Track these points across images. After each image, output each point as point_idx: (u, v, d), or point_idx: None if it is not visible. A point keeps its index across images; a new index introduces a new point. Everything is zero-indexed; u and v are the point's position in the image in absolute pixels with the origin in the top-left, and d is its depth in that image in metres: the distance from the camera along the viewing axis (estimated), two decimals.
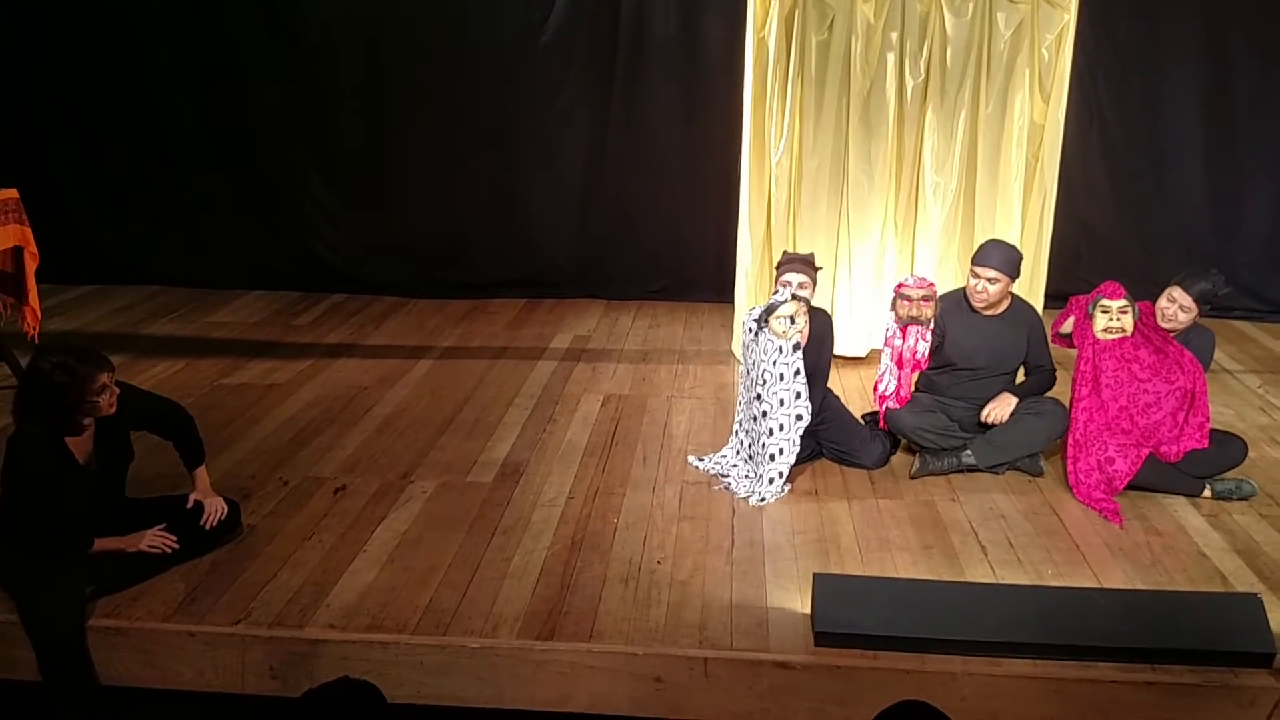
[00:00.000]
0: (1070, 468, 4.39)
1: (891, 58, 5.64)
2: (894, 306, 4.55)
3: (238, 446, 4.76)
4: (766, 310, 4.34)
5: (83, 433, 3.45)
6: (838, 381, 5.45)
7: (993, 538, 4.02)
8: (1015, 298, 4.70)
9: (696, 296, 7.36)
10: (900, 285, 4.56)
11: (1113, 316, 4.36)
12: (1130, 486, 4.30)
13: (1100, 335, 4.38)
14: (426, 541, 3.93)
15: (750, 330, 4.43)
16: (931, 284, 4.56)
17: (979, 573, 3.76)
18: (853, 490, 4.42)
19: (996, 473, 4.55)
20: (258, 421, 5.07)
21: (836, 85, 5.66)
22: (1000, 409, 4.50)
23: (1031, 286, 5.70)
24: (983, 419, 4.53)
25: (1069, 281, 6.54)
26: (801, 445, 4.59)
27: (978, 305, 4.56)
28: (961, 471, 4.53)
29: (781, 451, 4.32)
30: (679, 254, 7.43)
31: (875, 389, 4.67)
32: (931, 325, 4.51)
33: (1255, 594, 3.47)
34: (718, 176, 6.98)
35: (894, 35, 5.60)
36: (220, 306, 7.13)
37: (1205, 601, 3.50)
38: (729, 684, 3.27)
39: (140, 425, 3.68)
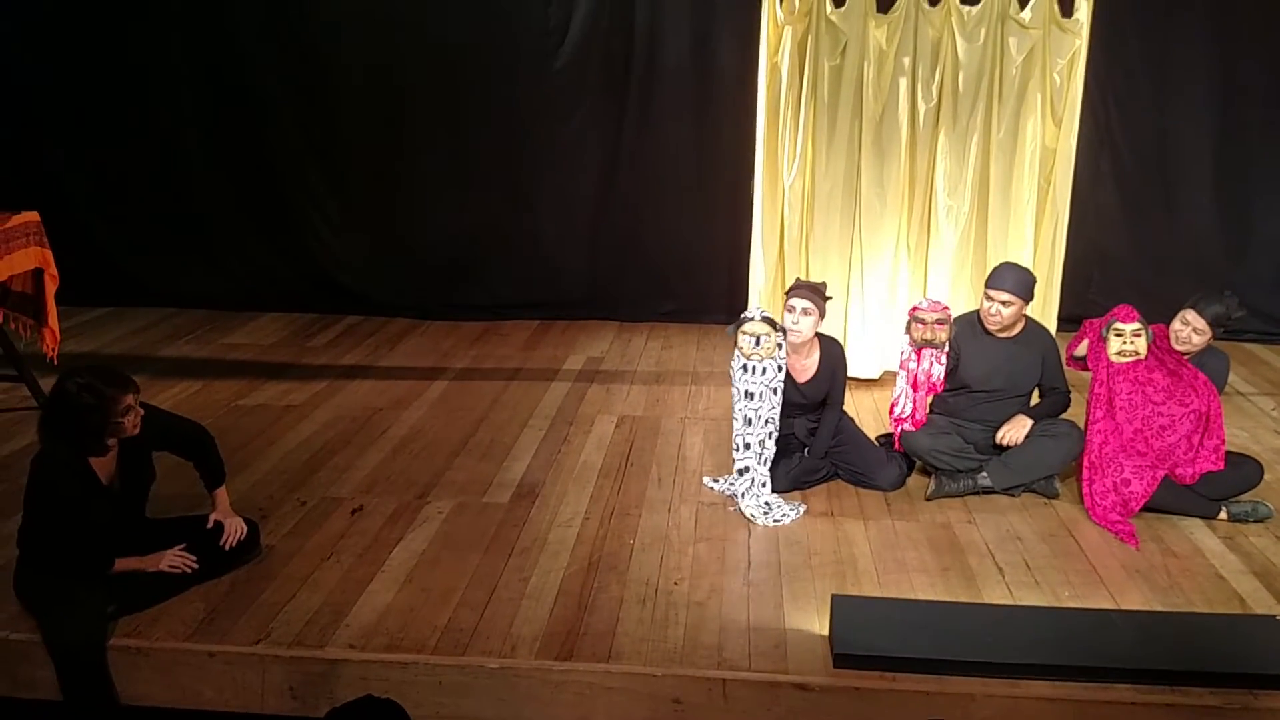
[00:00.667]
0: (1086, 490, 4.40)
1: (904, 82, 5.69)
2: (909, 330, 4.58)
3: (255, 467, 4.79)
4: (735, 326, 4.38)
5: (107, 453, 3.48)
6: (851, 403, 5.44)
7: (1009, 559, 4.02)
8: (1029, 320, 4.72)
9: (708, 318, 7.38)
10: (915, 308, 4.59)
11: (1126, 339, 4.38)
12: (1146, 509, 4.31)
13: (1114, 358, 4.39)
14: (444, 562, 3.94)
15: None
16: (946, 307, 4.58)
17: (996, 594, 3.76)
18: (869, 512, 4.42)
19: (1012, 495, 4.55)
20: (274, 442, 5.10)
21: (849, 109, 5.71)
22: (1015, 431, 4.51)
23: (1044, 310, 5.72)
24: (998, 441, 4.54)
25: (1081, 305, 6.57)
26: (818, 467, 4.61)
27: (991, 328, 4.58)
28: (977, 493, 4.54)
29: (745, 470, 4.38)
30: (691, 276, 7.47)
31: (891, 412, 4.69)
32: (946, 348, 4.53)
33: (1274, 616, 3.48)
34: (729, 199, 7.02)
35: (906, 60, 5.65)
36: (236, 328, 7.18)
37: (1224, 623, 3.51)
38: (748, 705, 3.27)
39: (163, 446, 3.71)
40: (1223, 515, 4.35)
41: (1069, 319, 5.89)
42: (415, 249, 7.49)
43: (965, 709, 3.21)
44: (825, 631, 3.47)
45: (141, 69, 7.32)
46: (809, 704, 3.25)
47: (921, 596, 3.73)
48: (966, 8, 5.63)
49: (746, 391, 4.38)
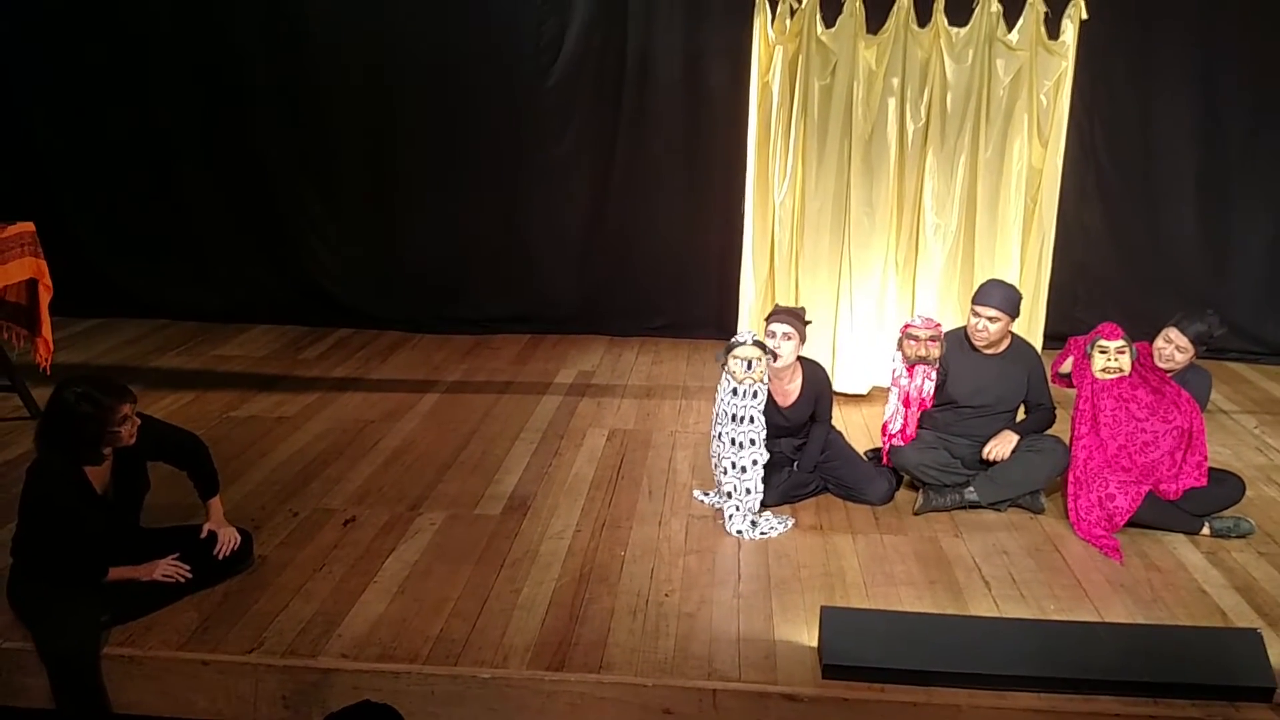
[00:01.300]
0: (1071, 505, 4.45)
1: (893, 102, 5.77)
2: (901, 346, 4.63)
3: (247, 478, 4.81)
4: (725, 350, 4.41)
5: (103, 462, 3.50)
6: (840, 419, 5.51)
7: (996, 573, 4.07)
8: (1015, 337, 4.78)
9: (698, 334, 7.44)
10: (907, 325, 4.64)
11: (1110, 356, 4.45)
12: (1130, 524, 4.37)
13: (1099, 375, 4.46)
14: (436, 573, 3.97)
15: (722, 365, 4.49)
16: (938, 324, 4.65)
17: (983, 607, 3.81)
18: (857, 525, 4.47)
19: (998, 509, 4.60)
20: (266, 454, 5.12)
21: (839, 128, 5.79)
22: (1002, 446, 4.57)
23: (1030, 327, 5.79)
24: (984, 456, 4.60)
25: (1066, 322, 6.64)
26: (807, 481, 4.65)
27: (979, 344, 4.64)
28: (964, 508, 4.59)
29: (749, 491, 4.37)
30: (681, 292, 7.52)
31: (884, 430, 4.73)
32: (937, 365, 4.59)
33: (1255, 629, 3.53)
34: (719, 216, 7.09)
35: (895, 80, 5.74)
36: (227, 340, 7.20)
37: (1206, 636, 3.55)
38: (738, 716, 3.31)
39: (157, 456, 3.73)
40: (1205, 531, 4.41)
41: (1054, 336, 5.97)
42: (407, 263, 7.52)
43: (952, 719, 3.25)
44: (814, 643, 3.51)
45: (136, 82, 7.34)
46: (798, 714, 3.29)
47: (909, 609, 3.77)
48: (955, 29, 5.72)
49: (735, 416, 4.37)
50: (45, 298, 5.41)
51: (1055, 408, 4.74)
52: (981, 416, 4.66)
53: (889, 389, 4.74)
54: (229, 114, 7.40)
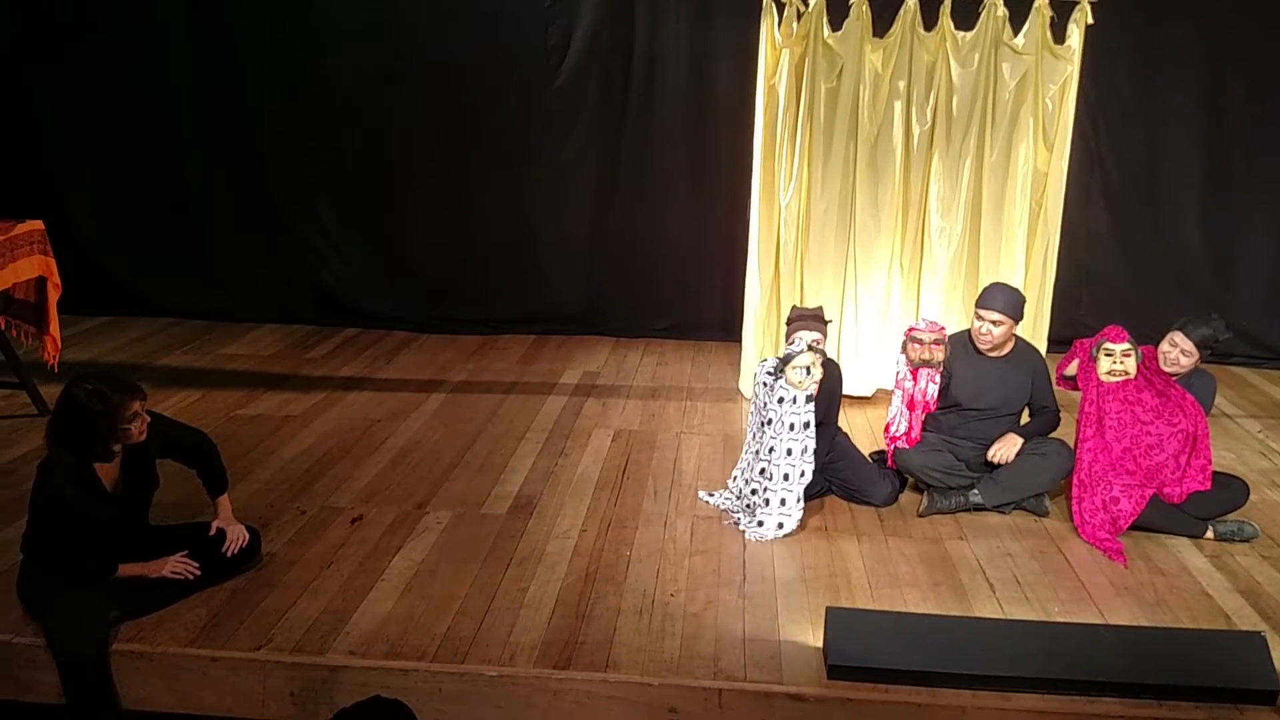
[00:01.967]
0: (1075, 508, 4.47)
1: (899, 106, 5.78)
2: (905, 349, 4.65)
3: (254, 476, 4.83)
4: (783, 360, 4.42)
5: (113, 459, 3.52)
6: (845, 421, 5.52)
7: (1000, 575, 4.08)
8: (1019, 340, 4.79)
9: (703, 335, 7.46)
10: (911, 329, 4.66)
11: (1116, 360, 4.46)
12: (1134, 527, 4.38)
13: (1104, 378, 4.47)
14: (443, 571, 3.99)
15: (764, 383, 4.48)
16: (942, 327, 4.66)
17: (987, 609, 3.83)
18: (862, 527, 4.49)
19: (1003, 512, 4.62)
20: (274, 452, 5.14)
21: (845, 131, 5.80)
22: (1006, 449, 4.58)
23: (1035, 330, 5.81)
24: (989, 458, 4.61)
25: (1071, 326, 6.65)
26: (812, 483, 4.66)
27: (983, 347, 4.66)
28: (969, 510, 4.60)
29: (783, 502, 4.38)
30: (686, 293, 7.54)
31: (887, 431, 4.75)
32: (941, 368, 4.61)
33: (1260, 632, 3.54)
34: (725, 218, 7.10)
35: (901, 84, 5.75)
36: (234, 339, 7.22)
37: (1210, 639, 3.57)
38: (743, 715, 3.32)
39: (166, 453, 3.75)
40: (1209, 534, 4.42)
41: (1059, 340, 5.99)
42: (413, 262, 7.55)
43: None
44: (819, 643, 3.52)
45: (145, 81, 7.37)
46: (803, 714, 3.30)
47: (914, 610, 3.79)
48: (961, 33, 5.74)
49: (792, 425, 4.37)
50: (54, 296, 5.44)
51: (1060, 410, 4.76)
52: (985, 419, 4.67)
53: (893, 391, 4.75)
54: (238, 114, 7.43)
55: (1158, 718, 3.25)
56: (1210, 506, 4.45)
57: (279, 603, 3.72)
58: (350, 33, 7.23)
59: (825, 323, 4.55)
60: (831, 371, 4.63)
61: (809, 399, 4.37)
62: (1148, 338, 4.64)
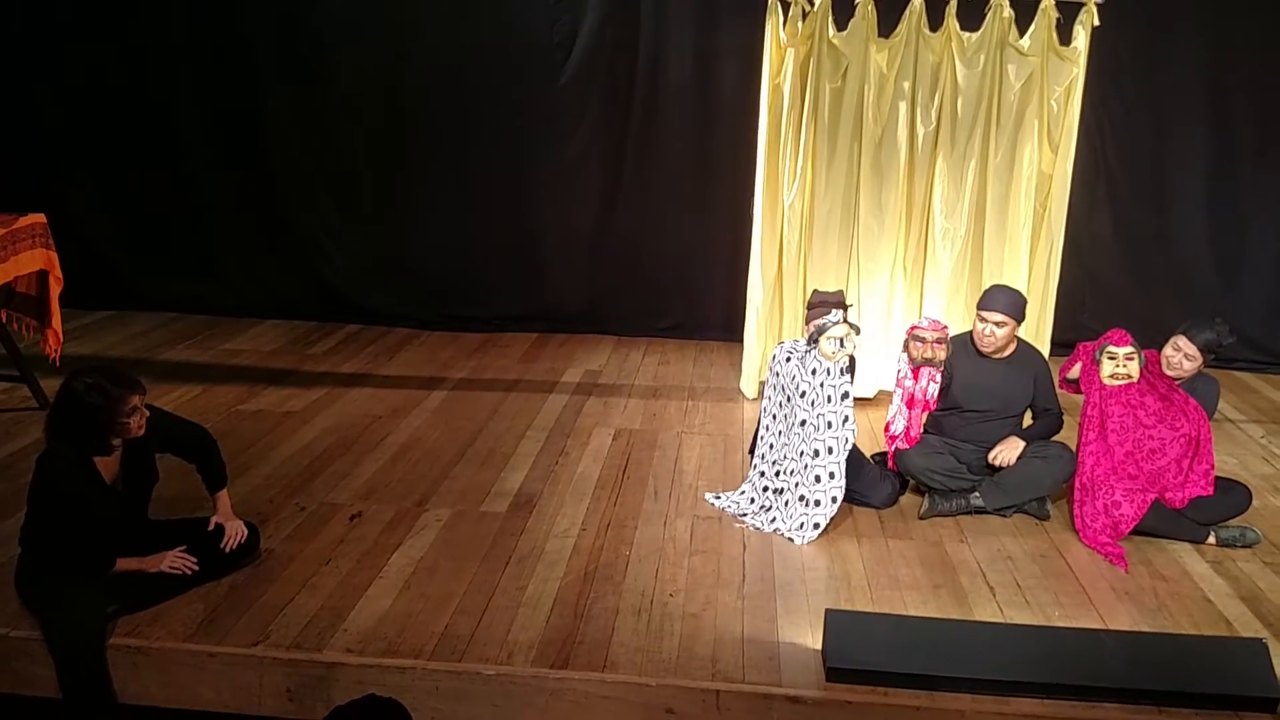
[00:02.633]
0: (1077, 511, 4.45)
1: (903, 106, 5.77)
2: (907, 348, 4.63)
3: (254, 472, 4.82)
4: (817, 331, 4.41)
5: (112, 453, 3.51)
6: None
7: (1000, 579, 4.07)
8: (1021, 342, 4.78)
9: (705, 335, 7.45)
10: (914, 328, 4.65)
11: (1119, 363, 4.44)
12: (1135, 531, 4.36)
13: (1107, 381, 4.45)
14: (442, 569, 3.98)
15: (789, 359, 4.48)
16: (945, 326, 4.65)
17: (987, 613, 3.81)
18: (862, 529, 4.47)
19: (1004, 515, 4.60)
20: (274, 448, 5.13)
21: (849, 132, 5.79)
22: (1008, 452, 4.57)
23: (1038, 333, 5.79)
24: (990, 461, 4.60)
25: (1074, 329, 6.63)
26: None
27: (985, 349, 4.64)
28: (970, 513, 4.59)
29: (833, 475, 4.37)
30: (689, 293, 7.53)
31: (886, 429, 4.74)
32: (943, 367, 4.59)
33: (1260, 639, 3.52)
34: (728, 218, 7.08)
35: (906, 84, 5.73)
36: (236, 334, 7.22)
37: (1211, 645, 3.55)
38: (741, 717, 3.31)
39: (166, 448, 3.74)
40: (1211, 540, 4.41)
41: (1062, 343, 5.97)
42: (416, 260, 7.54)
43: None
44: (818, 645, 3.51)
45: (147, 76, 7.37)
46: (801, 716, 3.29)
47: (914, 613, 3.78)
48: (967, 34, 5.72)
49: (829, 396, 4.37)
50: (56, 289, 5.44)
51: (1063, 413, 4.74)
52: (987, 421, 4.66)
53: (894, 390, 4.73)
54: (240, 109, 7.42)
55: None
56: (1212, 512, 4.43)
57: (277, 599, 3.71)
58: (354, 29, 7.23)
59: (846, 307, 4.53)
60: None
61: (843, 370, 4.37)
62: (1151, 342, 4.62)
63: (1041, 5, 5.60)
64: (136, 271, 7.67)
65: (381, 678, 3.34)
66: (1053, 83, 5.68)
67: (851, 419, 4.39)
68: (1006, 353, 4.69)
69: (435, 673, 3.37)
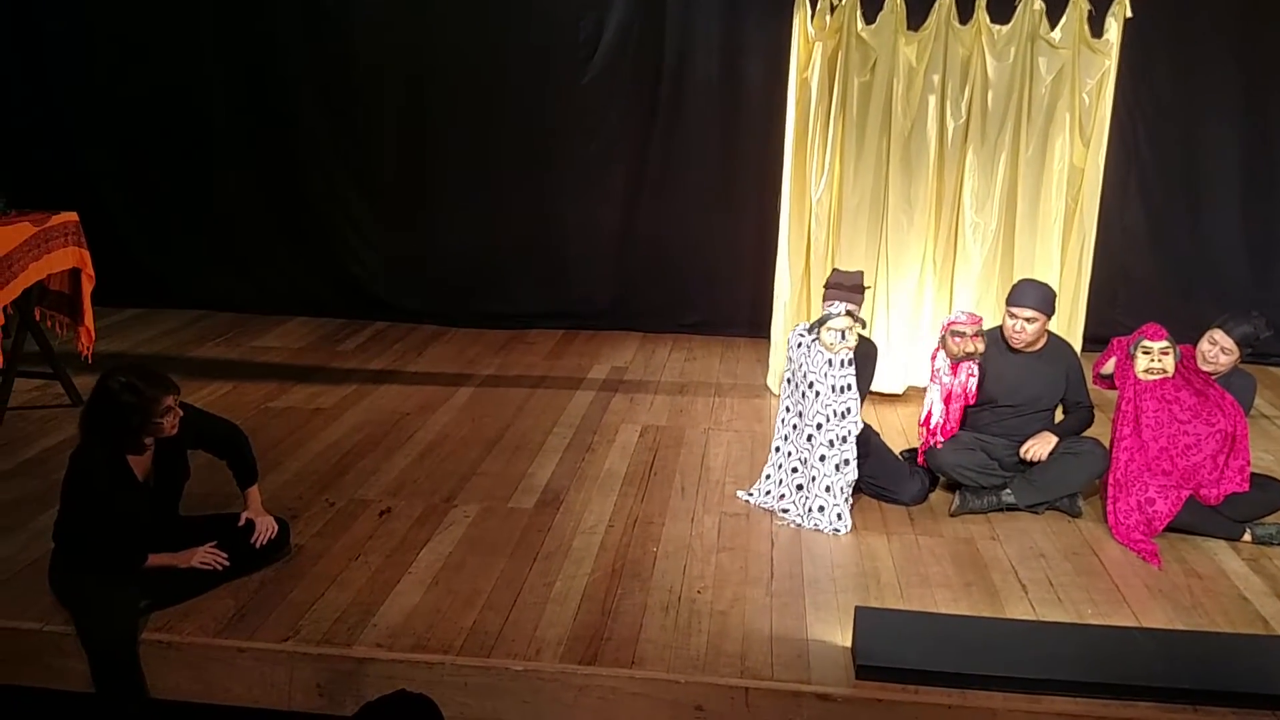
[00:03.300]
0: (1110, 508, 4.40)
1: (933, 100, 5.72)
2: (944, 344, 4.59)
3: (284, 468, 4.85)
4: (818, 322, 4.40)
5: (144, 452, 3.54)
6: (875, 418, 5.49)
7: (1033, 576, 4.03)
8: (1052, 335, 4.73)
9: (732, 331, 7.42)
10: (951, 322, 4.60)
11: (1154, 358, 4.38)
12: (1169, 528, 4.31)
13: (1142, 376, 4.39)
14: (470, 565, 3.99)
15: (800, 345, 4.47)
16: (980, 318, 4.61)
17: (1019, 611, 3.77)
18: (892, 526, 4.44)
19: (1036, 512, 4.56)
20: (303, 444, 5.16)
21: (878, 126, 5.75)
22: (1040, 446, 4.52)
23: (1070, 328, 5.73)
24: (1021, 454, 4.55)
25: (1106, 324, 6.54)
26: None
27: (1016, 345, 4.60)
28: (1001, 510, 4.54)
29: (847, 462, 4.37)
30: (715, 289, 7.51)
31: (926, 423, 4.67)
32: (980, 360, 4.55)
33: None
34: (754, 214, 7.07)
35: (935, 78, 5.68)
36: (265, 332, 7.27)
37: (1247, 644, 3.50)
38: (770, 715, 3.29)
39: (198, 444, 3.77)
40: (1246, 537, 4.34)
41: (1094, 338, 5.90)
42: (443, 257, 7.56)
43: None
44: (848, 643, 3.49)
45: (176, 76, 7.43)
46: (831, 714, 3.27)
47: (944, 611, 3.74)
48: (997, 26, 5.66)
49: (836, 387, 4.37)
50: (88, 287, 5.49)
51: (1094, 407, 4.69)
52: (1019, 416, 4.61)
53: (927, 386, 4.69)
54: (268, 109, 7.47)
55: None
56: (1248, 508, 4.37)
57: (307, 594, 3.73)
58: (382, 28, 7.26)
59: (863, 290, 4.48)
60: (866, 349, 4.58)
61: (844, 363, 4.35)
62: (1185, 337, 4.55)
63: None
64: (166, 269, 7.73)
65: (411, 673, 3.35)
66: (1084, 75, 5.62)
67: (855, 411, 4.38)
68: (1038, 346, 4.64)
69: (464, 668, 3.37)
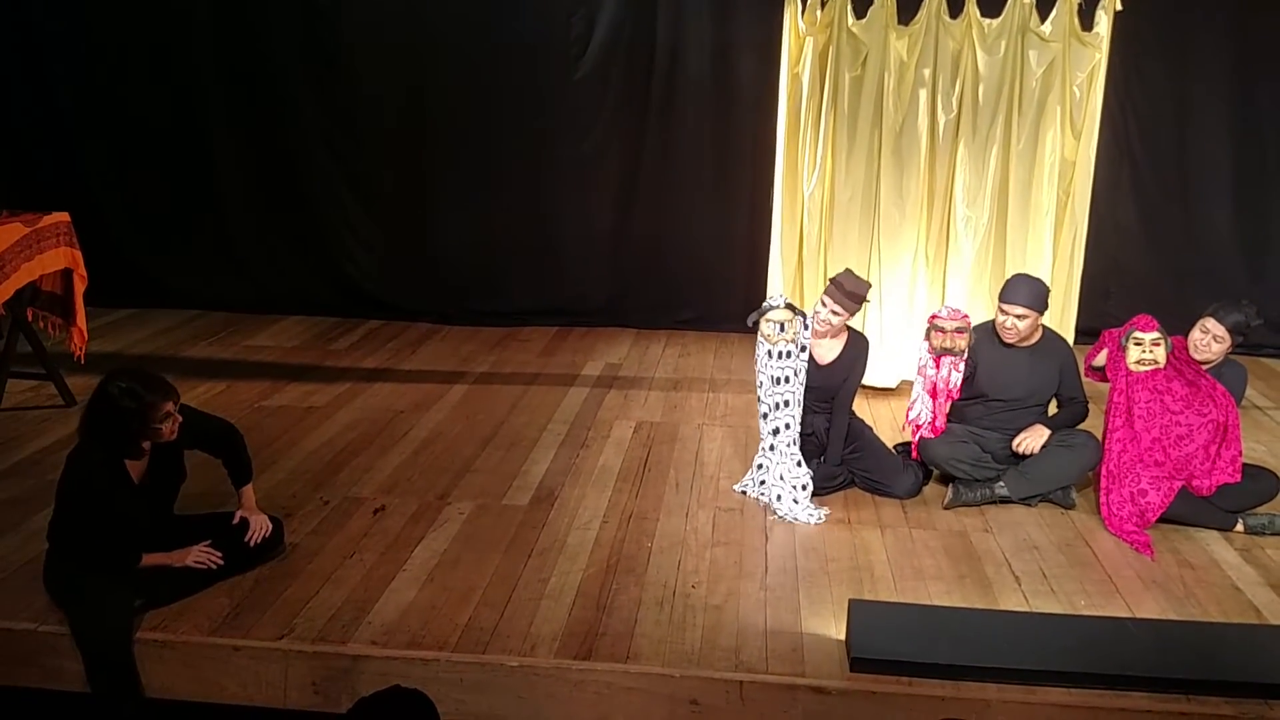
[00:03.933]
0: (1103, 499, 4.41)
1: (924, 94, 5.73)
2: (928, 337, 4.61)
3: (278, 467, 4.85)
4: (759, 313, 4.43)
5: (143, 457, 3.53)
6: (868, 411, 5.49)
7: (1026, 568, 4.04)
8: (1046, 330, 4.74)
9: (725, 327, 7.42)
10: (934, 316, 4.62)
11: (1145, 349, 4.40)
12: (1162, 519, 4.32)
13: (1133, 367, 4.41)
14: (465, 562, 3.99)
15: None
16: (965, 315, 4.62)
17: (1012, 602, 3.78)
18: (885, 519, 4.45)
19: (1029, 504, 4.57)
20: (297, 443, 5.15)
21: (869, 120, 5.76)
22: (1033, 440, 4.53)
23: (1062, 322, 5.75)
24: (1014, 447, 4.56)
25: (1099, 318, 6.54)
26: (834, 474, 4.64)
27: (1008, 341, 4.60)
28: (994, 503, 4.56)
29: (800, 464, 4.46)
30: (709, 284, 7.51)
31: (906, 416, 4.73)
32: (965, 356, 4.56)
33: None
34: (747, 209, 7.08)
35: (926, 72, 5.69)
36: (258, 331, 7.26)
37: (1241, 633, 3.52)
38: (765, 708, 3.30)
39: (194, 444, 3.76)
40: (1239, 527, 4.36)
41: (1086, 331, 5.91)
42: (437, 255, 7.56)
43: (981, 714, 3.23)
44: (842, 636, 3.50)
45: (171, 75, 7.41)
46: (826, 707, 3.28)
47: (938, 603, 3.75)
48: (987, 20, 5.67)
49: (774, 378, 4.44)
50: (80, 287, 5.48)
51: (1088, 401, 4.70)
52: (1012, 410, 4.62)
53: (915, 379, 4.71)
54: (263, 107, 7.45)
55: (1186, 713, 3.20)
56: (1240, 499, 4.38)
57: (301, 592, 3.73)
58: (374, 25, 7.26)
59: (860, 300, 4.49)
60: (858, 342, 4.61)
61: (784, 355, 4.41)
62: (1176, 330, 4.56)
63: None
64: (159, 269, 7.71)
65: (406, 670, 3.35)
66: (1075, 69, 5.63)
67: (792, 404, 4.46)
68: (1031, 341, 4.65)
69: (459, 664, 3.37)
